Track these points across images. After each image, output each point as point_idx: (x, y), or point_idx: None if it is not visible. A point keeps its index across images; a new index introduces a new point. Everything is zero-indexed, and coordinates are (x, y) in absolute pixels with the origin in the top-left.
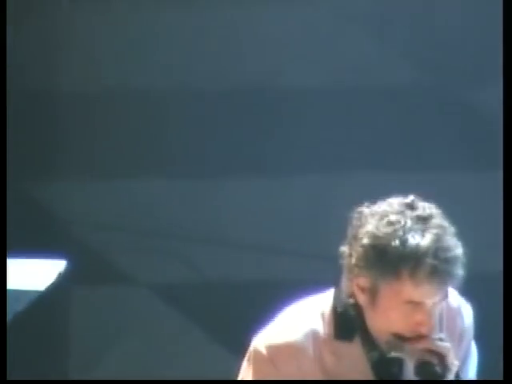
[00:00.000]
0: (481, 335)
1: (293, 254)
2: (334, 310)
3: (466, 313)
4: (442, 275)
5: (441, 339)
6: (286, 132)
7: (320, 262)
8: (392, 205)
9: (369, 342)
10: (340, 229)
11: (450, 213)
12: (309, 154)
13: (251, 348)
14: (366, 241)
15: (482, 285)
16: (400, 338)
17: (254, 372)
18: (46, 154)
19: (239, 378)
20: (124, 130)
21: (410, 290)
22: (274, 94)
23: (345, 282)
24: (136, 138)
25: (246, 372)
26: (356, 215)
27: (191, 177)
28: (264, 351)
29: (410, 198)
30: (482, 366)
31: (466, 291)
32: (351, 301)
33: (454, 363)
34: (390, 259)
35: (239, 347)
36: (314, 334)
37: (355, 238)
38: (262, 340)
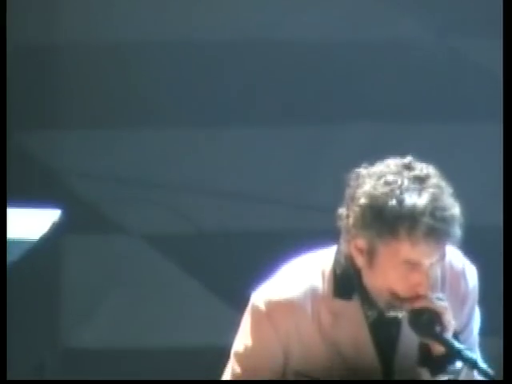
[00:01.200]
0: (481, 337)
1: (289, 205)
2: (334, 269)
3: (470, 275)
4: (439, 234)
5: (438, 298)
6: (286, 83)
7: (317, 213)
8: (389, 165)
9: (367, 301)
10: (338, 180)
11: (449, 165)
12: (308, 105)
13: (251, 302)
14: (362, 201)
15: (481, 239)
16: (398, 298)
17: (252, 327)
18: (40, 104)
19: (239, 331)
20: (117, 81)
21: (408, 249)
22: (274, 46)
23: (343, 244)
24: (129, 89)
25: (245, 326)
26: (353, 176)
27: (186, 126)
28: (262, 307)
29: (408, 159)
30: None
31: (465, 246)
32: (348, 262)
33: (450, 322)
34: (386, 219)
35: (234, 298)
36: (313, 292)
37: (352, 198)
38: (261, 295)
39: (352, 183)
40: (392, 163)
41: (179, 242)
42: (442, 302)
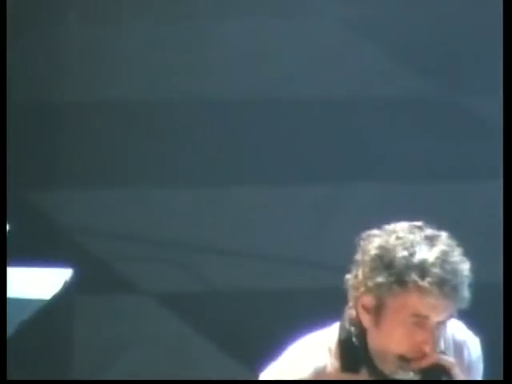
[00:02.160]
0: (481, 337)
1: (298, 263)
2: (340, 343)
3: (473, 345)
4: (448, 287)
5: (443, 353)
6: (291, 142)
7: (328, 272)
8: (401, 225)
9: (375, 372)
10: (344, 237)
11: (451, 222)
12: (313, 164)
13: None
14: (373, 252)
15: (482, 296)
16: (404, 359)
17: None
18: (49, 163)
19: None
20: (128, 139)
21: (417, 301)
22: (279, 105)
23: (349, 309)
24: (139, 147)
25: None
26: (365, 236)
27: (194, 186)
28: None
29: (420, 222)
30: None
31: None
32: (354, 325)
33: (459, 376)
34: (396, 269)
35: (247, 357)
36: (321, 370)
37: (362, 254)
38: (271, 376)
39: (363, 242)
40: (404, 224)
41: (191, 300)
42: (448, 357)
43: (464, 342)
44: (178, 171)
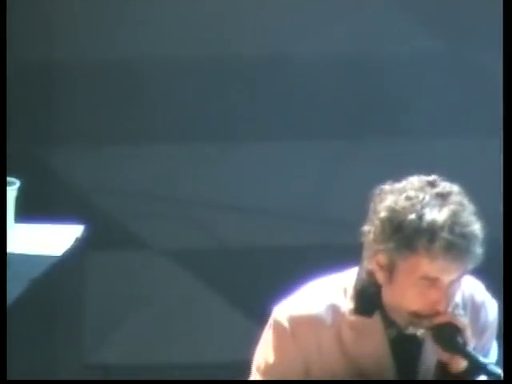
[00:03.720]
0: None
1: (310, 220)
2: (356, 286)
3: (491, 308)
4: (458, 250)
5: (459, 314)
6: (303, 98)
7: (341, 228)
8: (413, 182)
9: (388, 318)
10: (356, 195)
11: (460, 177)
12: (328, 120)
13: (272, 316)
14: (382, 214)
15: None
16: (417, 316)
17: (274, 342)
18: (59, 121)
19: (260, 346)
20: (140, 96)
21: (426, 264)
22: (288, 61)
23: (365, 261)
24: (152, 104)
25: (266, 340)
26: (376, 192)
27: (206, 143)
28: (285, 322)
29: (433, 177)
30: None
31: None
32: (369, 278)
33: (470, 338)
34: (405, 233)
35: (257, 313)
36: (334, 308)
37: (374, 213)
38: (283, 311)
39: (375, 199)
40: (416, 180)
41: (202, 256)
42: (462, 318)
43: (482, 303)
44: (189, 128)
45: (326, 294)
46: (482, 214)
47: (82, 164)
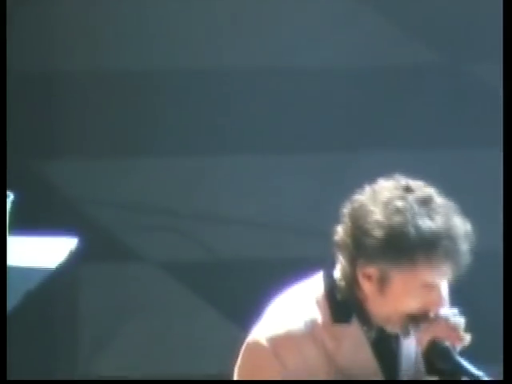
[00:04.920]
0: (482, 337)
1: (302, 233)
2: (328, 294)
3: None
4: (455, 255)
5: (454, 314)
6: (299, 111)
7: (329, 240)
8: (389, 190)
9: (366, 321)
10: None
11: (450, 190)
12: (319, 133)
13: (250, 342)
14: (378, 233)
15: (482, 264)
16: (412, 319)
17: (256, 367)
18: (54, 133)
19: (241, 372)
20: (132, 108)
21: (426, 273)
22: (284, 74)
23: (344, 270)
24: (144, 116)
25: (246, 366)
26: (354, 204)
27: (199, 155)
28: (266, 344)
29: (403, 180)
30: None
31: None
32: (350, 288)
33: (466, 338)
34: (405, 247)
35: (250, 324)
36: (312, 321)
37: (361, 228)
38: (262, 333)
39: (355, 212)
40: (390, 187)
41: (196, 269)
42: (458, 317)
43: None
44: (182, 140)
45: (300, 308)
46: (483, 223)
47: (77, 176)
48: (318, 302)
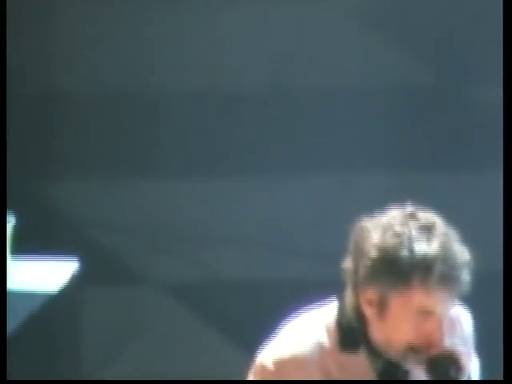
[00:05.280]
0: (482, 337)
1: (303, 254)
2: (338, 322)
3: (466, 321)
4: (452, 281)
5: (453, 344)
6: (295, 133)
7: (330, 262)
8: (394, 217)
9: (374, 352)
10: (349, 229)
11: (451, 213)
12: (316, 154)
13: (257, 363)
14: (373, 254)
15: (482, 285)
16: (412, 348)
17: None
18: (56, 154)
19: None
20: (133, 131)
21: (421, 297)
22: (284, 95)
23: (349, 297)
24: (146, 139)
25: None
26: (357, 229)
27: (202, 177)
28: (271, 366)
29: (410, 209)
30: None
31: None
32: (355, 314)
33: (466, 366)
34: (399, 269)
35: (253, 347)
36: (319, 347)
37: (360, 252)
38: (268, 355)
39: (357, 236)
40: (396, 214)
41: (198, 291)
42: (457, 347)
43: (457, 318)
44: (183, 163)
45: (309, 333)
46: (482, 247)
47: (79, 198)
48: (328, 329)
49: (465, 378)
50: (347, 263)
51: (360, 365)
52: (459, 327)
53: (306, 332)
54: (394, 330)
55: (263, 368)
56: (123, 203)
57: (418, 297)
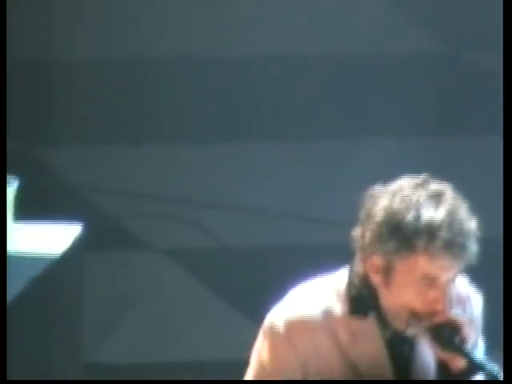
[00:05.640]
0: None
1: (307, 220)
2: (348, 290)
3: (475, 302)
4: (457, 248)
5: (457, 313)
6: (306, 99)
7: (335, 227)
8: (404, 183)
9: (382, 319)
10: (354, 195)
11: (455, 177)
12: (320, 120)
13: (266, 323)
14: (379, 217)
15: (483, 251)
16: (416, 315)
17: (270, 348)
18: (57, 121)
19: (255, 353)
20: (136, 96)
21: (425, 263)
22: (283, 62)
23: (357, 264)
24: (149, 104)
25: (261, 347)
26: (369, 195)
27: (204, 142)
28: (280, 327)
29: (422, 177)
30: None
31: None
32: (364, 282)
33: (470, 336)
34: (404, 233)
35: (255, 313)
36: (329, 311)
37: (368, 216)
38: (278, 316)
39: (367, 202)
40: (407, 181)
41: (200, 256)
42: (459, 316)
43: (467, 298)
44: (187, 128)
45: (320, 297)
46: (482, 213)
47: (81, 163)
48: (338, 295)
49: (470, 348)
50: (356, 230)
51: (368, 331)
52: (468, 306)
53: (316, 296)
54: (398, 296)
55: (272, 328)
56: (125, 168)
57: (422, 263)
